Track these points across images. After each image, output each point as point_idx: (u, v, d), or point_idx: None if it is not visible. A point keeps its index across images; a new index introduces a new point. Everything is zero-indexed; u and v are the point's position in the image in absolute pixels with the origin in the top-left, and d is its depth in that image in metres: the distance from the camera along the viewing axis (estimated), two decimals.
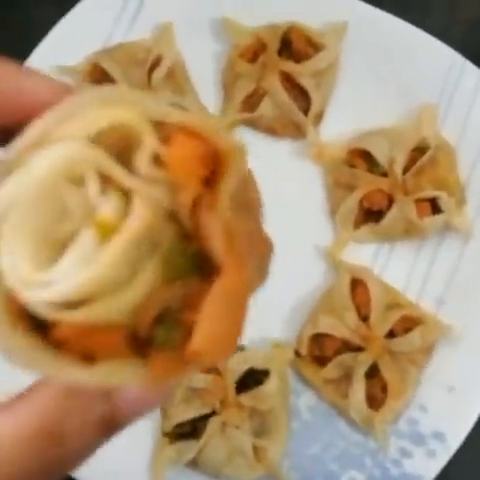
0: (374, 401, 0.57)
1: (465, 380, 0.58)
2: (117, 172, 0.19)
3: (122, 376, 0.20)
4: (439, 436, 0.58)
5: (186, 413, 0.57)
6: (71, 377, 0.19)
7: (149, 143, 0.19)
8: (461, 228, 0.60)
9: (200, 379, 0.57)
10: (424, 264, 0.61)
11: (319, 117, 0.62)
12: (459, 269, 0.60)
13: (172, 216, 0.20)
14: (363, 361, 0.57)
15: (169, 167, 0.19)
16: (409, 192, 0.60)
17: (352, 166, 0.61)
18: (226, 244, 0.19)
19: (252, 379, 0.58)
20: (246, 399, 0.57)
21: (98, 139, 0.19)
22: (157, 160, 0.19)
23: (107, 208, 0.19)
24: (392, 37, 0.63)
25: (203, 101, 0.63)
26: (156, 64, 0.61)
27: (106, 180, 0.19)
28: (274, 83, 0.61)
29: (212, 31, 0.64)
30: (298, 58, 0.62)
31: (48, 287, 0.19)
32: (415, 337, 0.57)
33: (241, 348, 0.60)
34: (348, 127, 0.62)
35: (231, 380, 0.57)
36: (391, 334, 0.58)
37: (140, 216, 0.19)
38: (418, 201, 0.60)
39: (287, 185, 0.62)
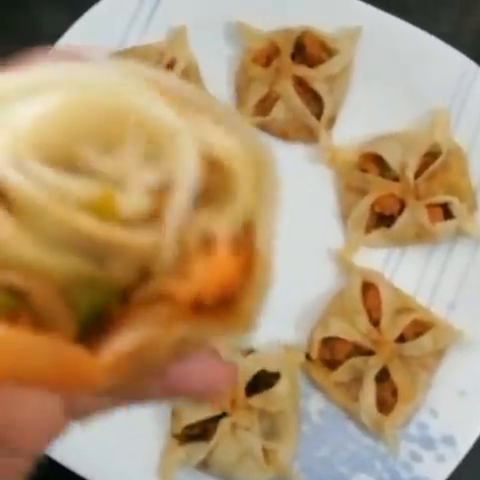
0: (384, 405, 0.57)
1: (476, 384, 0.58)
2: (179, 206, 0.16)
3: None
4: (449, 440, 0.58)
5: (196, 414, 0.58)
6: None
7: (222, 226, 0.17)
8: (472, 233, 0.60)
9: None
10: (435, 269, 0.61)
11: (331, 121, 0.63)
12: (470, 274, 0.60)
13: (143, 274, 0.17)
14: (373, 365, 0.57)
15: (209, 271, 0.17)
16: (421, 197, 0.60)
17: (364, 170, 0.61)
18: (126, 353, 0.16)
19: (262, 381, 0.58)
20: (256, 401, 0.57)
21: (204, 154, 0.17)
22: (203, 239, 0.17)
23: (135, 187, 0.16)
24: (405, 43, 0.63)
25: None
26: (170, 67, 0.62)
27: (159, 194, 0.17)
28: (287, 87, 0.61)
29: (225, 35, 0.65)
30: (311, 63, 0.62)
31: (21, 161, 0.16)
32: (426, 341, 0.58)
33: (251, 350, 0.60)
34: (360, 131, 0.62)
35: (241, 382, 0.57)
36: (402, 338, 0.58)
37: (138, 244, 0.17)
38: (430, 206, 0.60)
39: (298, 189, 0.62)
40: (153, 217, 0.17)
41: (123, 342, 0.16)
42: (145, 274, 0.17)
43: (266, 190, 0.18)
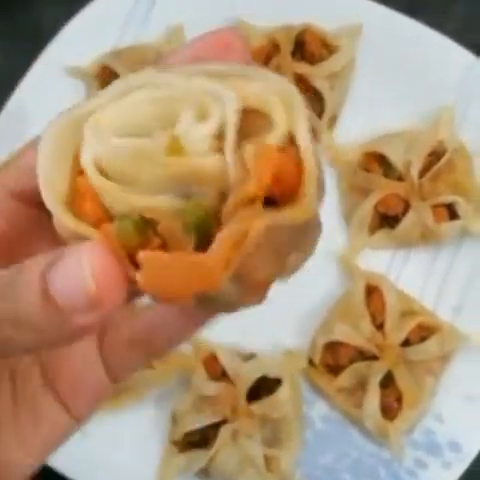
0: (389, 411, 0.56)
1: None
2: (231, 134, 0.22)
3: (85, 229, 0.22)
4: (455, 447, 0.56)
5: (196, 421, 0.56)
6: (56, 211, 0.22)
7: (269, 141, 0.22)
8: (478, 234, 0.59)
9: (211, 387, 0.56)
10: (440, 271, 0.60)
11: (333, 120, 0.61)
12: (476, 276, 0.59)
13: (219, 192, 0.22)
14: (378, 370, 0.56)
15: (261, 164, 0.21)
16: (426, 197, 0.58)
17: (367, 170, 0.60)
18: (228, 246, 0.21)
19: (264, 387, 0.57)
20: (258, 408, 0.56)
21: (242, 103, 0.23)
22: (257, 152, 0.22)
23: (195, 137, 0.22)
24: (408, 39, 0.62)
25: None
26: None
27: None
28: None
29: None
30: (312, 60, 0.61)
31: (106, 141, 0.22)
32: (431, 345, 0.56)
33: (251, 355, 0.59)
34: (363, 130, 0.61)
35: (242, 388, 0.56)
36: (407, 342, 0.57)
37: (209, 166, 0.22)
38: (435, 206, 0.58)
39: None
40: (218, 151, 0.22)
41: (224, 240, 0.21)
42: (224, 195, 0.22)
43: (296, 111, 0.22)
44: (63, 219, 0.22)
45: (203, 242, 0.22)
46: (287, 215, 0.22)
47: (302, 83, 0.60)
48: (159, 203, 0.22)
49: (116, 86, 0.23)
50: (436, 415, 0.57)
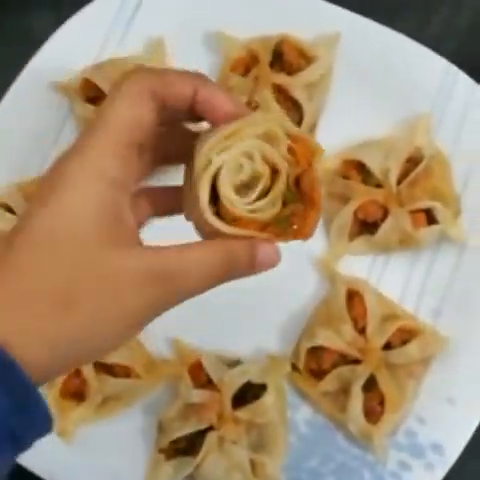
0: (372, 414, 0.57)
1: (464, 391, 0.58)
2: (273, 153, 0.36)
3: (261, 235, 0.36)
4: (437, 448, 0.57)
5: (182, 429, 0.57)
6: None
7: (285, 142, 0.36)
8: (457, 238, 0.60)
9: (197, 394, 0.57)
10: (420, 275, 0.61)
11: (312, 129, 0.62)
12: (455, 280, 0.60)
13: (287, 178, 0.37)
14: (361, 373, 0.57)
15: (294, 153, 0.36)
16: (404, 203, 0.59)
17: (346, 177, 0.61)
18: (317, 194, 0.36)
19: (249, 393, 0.58)
20: (243, 413, 0.57)
21: (261, 136, 0.36)
22: (289, 150, 0.36)
23: (266, 170, 0.36)
24: (385, 48, 0.63)
25: None
26: None
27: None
28: (266, 96, 0.60)
29: (204, 44, 0.64)
30: (290, 70, 0.61)
31: (245, 206, 0.36)
32: (412, 349, 0.57)
33: (237, 362, 0.59)
34: (341, 138, 0.62)
35: (228, 395, 0.57)
36: (388, 346, 0.58)
37: (282, 176, 0.36)
38: (413, 212, 0.59)
39: None
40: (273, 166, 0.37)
41: (316, 189, 0.36)
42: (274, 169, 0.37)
43: (285, 122, 0.37)
44: (237, 232, 0.35)
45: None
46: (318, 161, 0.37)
47: (281, 93, 0.61)
48: (279, 204, 0.36)
49: (212, 166, 0.36)
50: (418, 417, 0.58)
